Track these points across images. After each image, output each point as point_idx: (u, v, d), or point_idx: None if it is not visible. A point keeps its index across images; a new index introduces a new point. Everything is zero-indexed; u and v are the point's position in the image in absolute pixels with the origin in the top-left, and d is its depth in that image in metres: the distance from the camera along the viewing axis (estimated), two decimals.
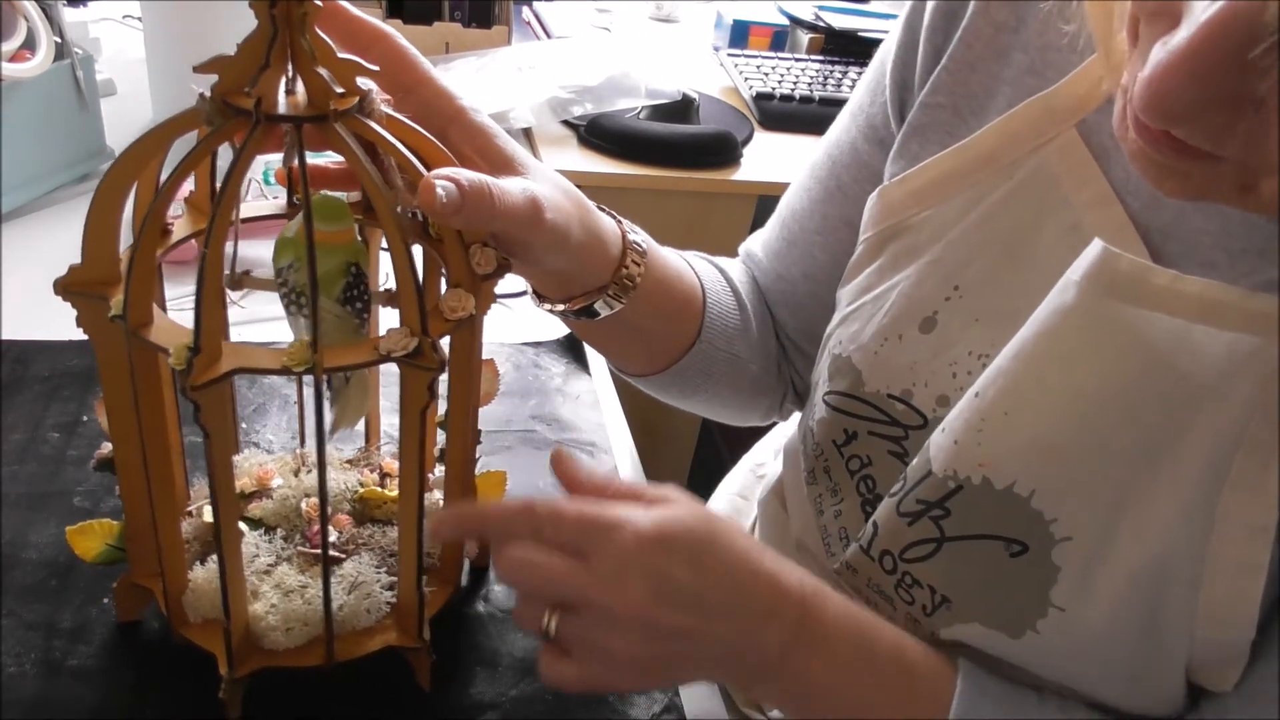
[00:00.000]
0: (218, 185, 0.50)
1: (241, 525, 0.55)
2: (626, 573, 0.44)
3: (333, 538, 0.55)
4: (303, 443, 0.63)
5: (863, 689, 0.49)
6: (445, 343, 0.45)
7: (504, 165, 0.50)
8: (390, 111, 0.44)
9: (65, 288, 0.44)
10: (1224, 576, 0.43)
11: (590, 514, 0.46)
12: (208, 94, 0.40)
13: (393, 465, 0.61)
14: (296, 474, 0.60)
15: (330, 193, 0.47)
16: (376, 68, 0.41)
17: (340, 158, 0.42)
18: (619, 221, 0.58)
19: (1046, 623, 0.48)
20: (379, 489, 0.59)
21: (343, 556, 0.54)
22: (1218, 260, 0.45)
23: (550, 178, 0.52)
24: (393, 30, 0.49)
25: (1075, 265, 0.45)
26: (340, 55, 0.40)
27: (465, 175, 0.44)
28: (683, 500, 0.48)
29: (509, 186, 0.46)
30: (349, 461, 0.62)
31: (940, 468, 0.49)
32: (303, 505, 0.57)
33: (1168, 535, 0.44)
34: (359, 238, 0.48)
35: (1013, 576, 0.48)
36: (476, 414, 0.54)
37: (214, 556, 0.51)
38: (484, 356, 0.53)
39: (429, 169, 0.44)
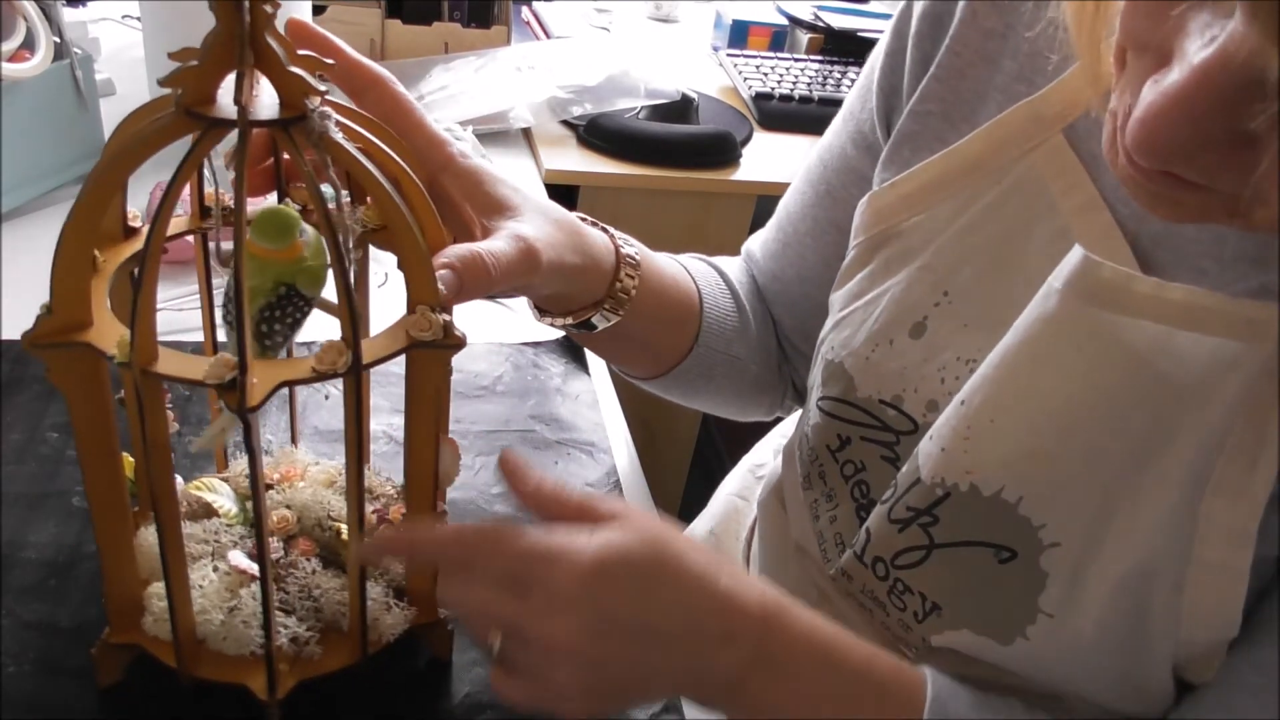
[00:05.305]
0: (204, 187, 0.50)
1: (227, 504, 0.55)
2: (560, 610, 0.43)
3: (278, 555, 0.53)
4: (297, 439, 0.62)
5: (827, 709, 0.46)
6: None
7: (493, 210, 0.50)
8: (347, 122, 0.42)
9: (33, 342, 0.41)
10: (1207, 580, 0.43)
11: (529, 548, 0.44)
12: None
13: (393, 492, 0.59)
14: (332, 484, 0.58)
15: (284, 207, 0.45)
16: (331, 61, 0.40)
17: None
18: (611, 235, 0.58)
19: (1036, 629, 0.48)
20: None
21: (256, 577, 0.51)
22: (1208, 268, 0.45)
23: (542, 209, 0.52)
24: (389, 75, 0.49)
25: (1056, 272, 0.45)
26: (295, 59, 0.39)
27: (456, 254, 0.44)
28: (632, 519, 0.45)
29: (500, 247, 0.47)
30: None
31: (929, 475, 0.49)
32: (275, 515, 0.55)
33: (1153, 539, 0.44)
34: (311, 258, 0.45)
35: (1002, 583, 0.48)
36: (438, 497, 0.51)
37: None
38: (451, 434, 0.51)
39: (384, 176, 0.43)
